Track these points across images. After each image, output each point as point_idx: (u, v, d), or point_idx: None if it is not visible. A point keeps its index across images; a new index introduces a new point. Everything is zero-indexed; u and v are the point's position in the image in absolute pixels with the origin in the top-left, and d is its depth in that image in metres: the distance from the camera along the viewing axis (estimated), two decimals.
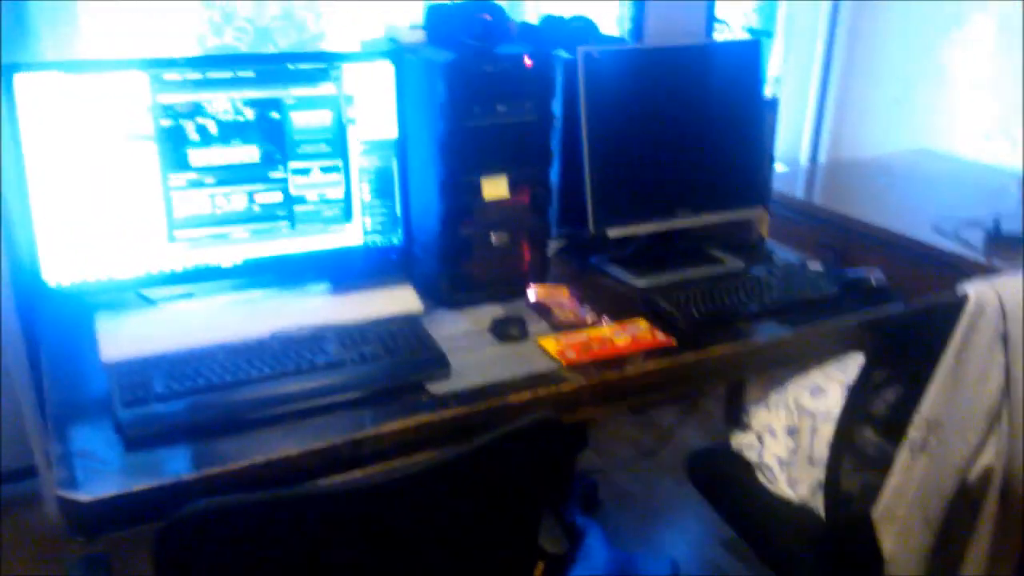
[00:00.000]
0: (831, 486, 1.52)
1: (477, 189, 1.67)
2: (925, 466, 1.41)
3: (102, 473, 1.21)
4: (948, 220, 2.36)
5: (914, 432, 1.41)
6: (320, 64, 1.62)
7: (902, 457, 1.43)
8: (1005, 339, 1.36)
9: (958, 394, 1.38)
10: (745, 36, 2.10)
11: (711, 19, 2.08)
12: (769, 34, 3.35)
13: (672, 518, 2.61)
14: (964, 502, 1.43)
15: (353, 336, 1.53)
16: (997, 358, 1.37)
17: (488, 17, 1.67)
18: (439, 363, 1.48)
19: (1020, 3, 2.84)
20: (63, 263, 1.52)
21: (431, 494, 1.05)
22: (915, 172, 2.93)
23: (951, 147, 3.11)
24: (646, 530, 2.56)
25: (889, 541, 1.46)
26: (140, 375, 1.37)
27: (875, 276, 1.87)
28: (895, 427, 1.43)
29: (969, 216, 2.36)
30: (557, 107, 1.75)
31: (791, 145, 3.49)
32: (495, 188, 1.67)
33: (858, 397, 1.46)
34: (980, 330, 1.35)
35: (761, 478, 1.75)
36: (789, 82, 3.42)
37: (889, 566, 1.48)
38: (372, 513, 1.01)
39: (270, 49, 2.41)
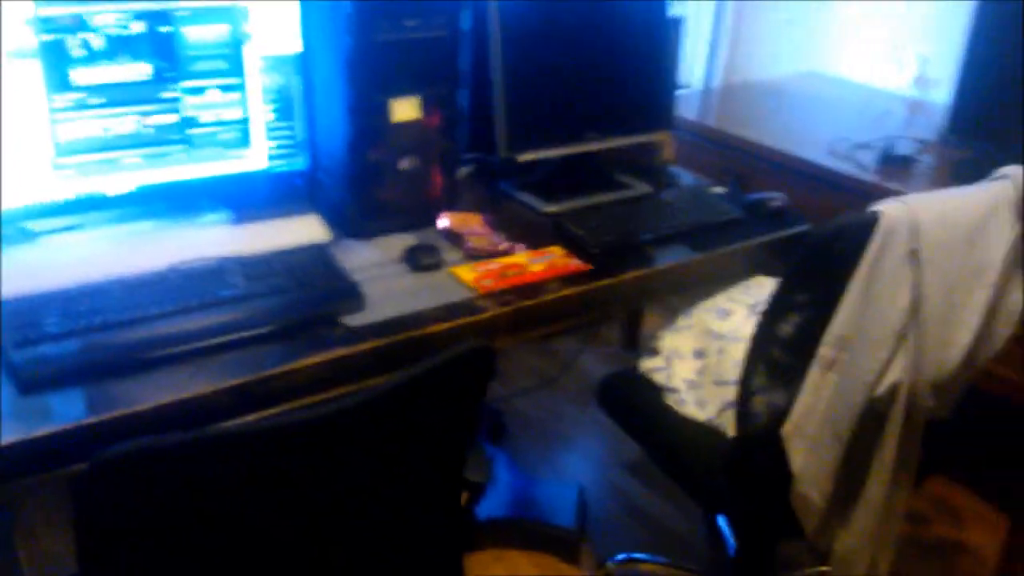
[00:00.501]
0: (742, 405, 1.55)
1: (385, 111, 1.59)
2: (835, 383, 1.44)
3: None
4: (842, 143, 2.40)
5: (825, 350, 1.43)
6: None
7: (812, 375, 1.45)
8: (915, 257, 1.39)
9: (868, 312, 1.41)
10: None
11: None
12: None
13: (576, 444, 2.65)
14: (871, 417, 1.47)
15: (259, 268, 1.45)
16: (906, 275, 1.39)
17: None
18: (352, 294, 1.43)
19: None
20: None
21: (362, 429, 1.01)
22: (807, 95, 2.98)
23: (841, 70, 3.16)
24: (551, 457, 2.58)
25: (799, 457, 1.50)
26: (30, 314, 1.27)
27: (777, 199, 1.90)
28: (807, 346, 1.46)
29: (862, 139, 2.41)
30: (466, 25, 1.69)
31: (687, 68, 3.49)
32: (406, 110, 1.60)
33: (771, 317, 1.48)
34: (891, 248, 1.38)
35: (670, 400, 1.77)
36: (683, 5, 3.41)
37: (798, 481, 1.52)
38: (305, 451, 0.97)
39: None
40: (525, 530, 1.74)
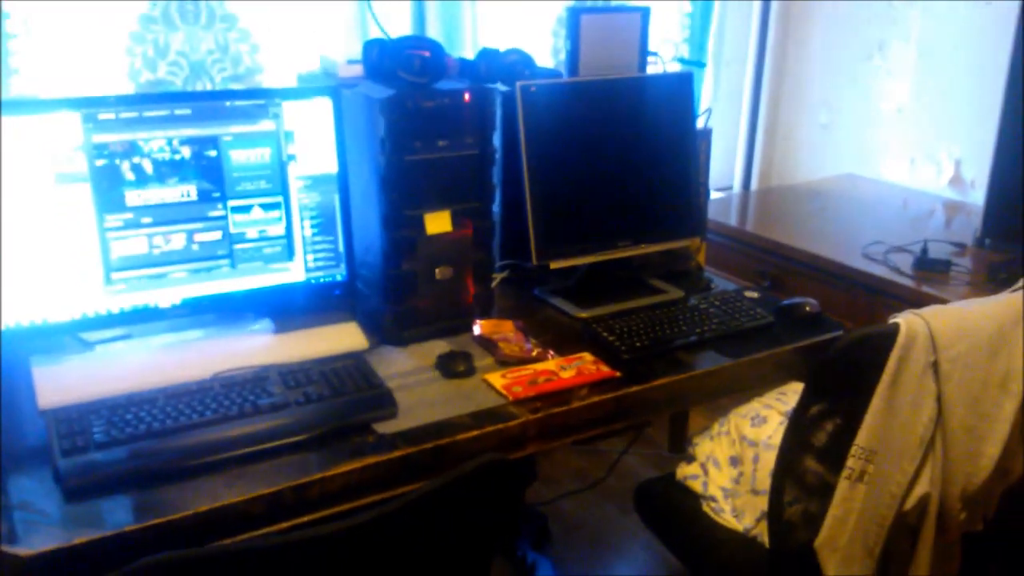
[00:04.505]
0: (774, 516, 1.54)
1: (420, 224, 1.66)
2: (864, 495, 1.43)
3: (42, 526, 1.18)
4: (878, 246, 2.42)
5: (852, 462, 1.43)
6: (258, 101, 1.61)
7: (841, 487, 1.45)
8: (936, 368, 1.39)
9: (893, 423, 1.41)
10: (677, 68, 2.14)
11: (644, 51, 2.11)
12: (701, 64, 3.40)
13: (622, 548, 2.61)
14: (903, 530, 1.45)
15: (297, 376, 1.51)
16: (929, 387, 1.40)
17: (426, 54, 1.67)
18: (386, 402, 1.47)
19: (938, 30, 2.93)
20: None
21: (381, 542, 1.04)
22: (844, 197, 3.00)
23: (879, 171, 3.19)
24: (597, 562, 2.54)
25: (832, 570, 1.48)
26: (79, 422, 1.34)
27: (810, 304, 1.91)
28: (836, 456, 1.45)
29: (898, 242, 2.43)
30: (497, 140, 1.76)
31: (724, 172, 3.55)
32: (438, 223, 1.67)
33: (797, 428, 1.48)
34: (911, 360, 1.38)
35: (707, 509, 1.76)
36: (720, 110, 3.48)
37: None
38: (322, 564, 1.00)
39: (205, 84, 2.38)
40: None
